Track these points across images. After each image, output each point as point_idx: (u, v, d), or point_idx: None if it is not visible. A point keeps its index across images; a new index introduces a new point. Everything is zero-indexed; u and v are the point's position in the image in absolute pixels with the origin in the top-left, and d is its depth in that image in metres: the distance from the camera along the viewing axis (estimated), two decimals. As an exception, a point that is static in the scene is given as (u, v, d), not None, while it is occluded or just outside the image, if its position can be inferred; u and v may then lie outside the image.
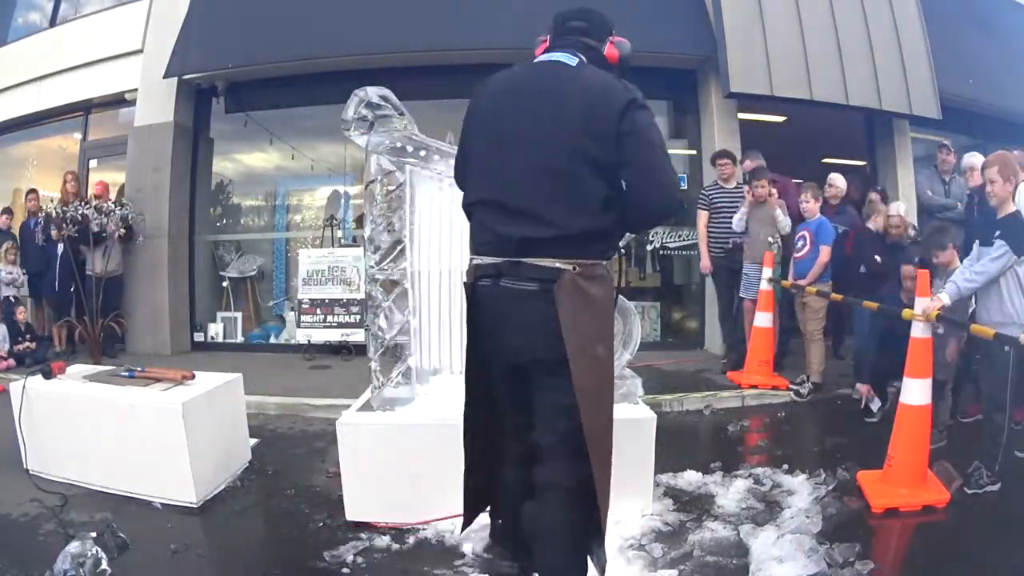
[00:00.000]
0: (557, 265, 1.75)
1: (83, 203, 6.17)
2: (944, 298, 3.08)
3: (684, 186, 6.85)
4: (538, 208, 1.75)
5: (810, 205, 4.89)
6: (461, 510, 2.19)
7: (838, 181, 5.53)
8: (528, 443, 1.91)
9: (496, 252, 1.82)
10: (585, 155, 1.74)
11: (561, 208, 1.75)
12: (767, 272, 5.11)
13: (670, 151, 6.84)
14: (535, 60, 1.95)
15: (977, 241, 3.29)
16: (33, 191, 7.19)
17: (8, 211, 6.99)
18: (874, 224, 4.70)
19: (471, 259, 1.92)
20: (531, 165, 1.77)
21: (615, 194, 1.80)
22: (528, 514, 1.92)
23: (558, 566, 1.87)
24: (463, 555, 2.49)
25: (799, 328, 5.05)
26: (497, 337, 1.88)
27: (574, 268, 1.76)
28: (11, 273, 6.55)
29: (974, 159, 4.72)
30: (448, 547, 2.56)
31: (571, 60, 1.87)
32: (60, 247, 6.36)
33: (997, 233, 3.11)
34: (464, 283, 1.95)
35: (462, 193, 2.00)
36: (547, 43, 1.98)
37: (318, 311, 6.37)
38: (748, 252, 5.23)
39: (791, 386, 4.84)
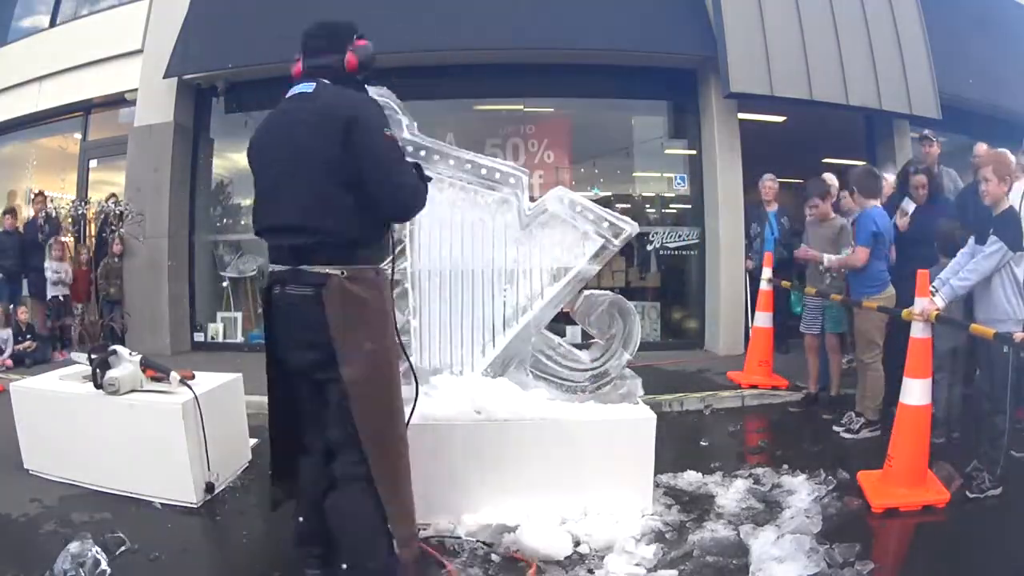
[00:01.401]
0: (327, 271, 1.96)
1: (83, 203, 6.19)
2: (939, 301, 3.07)
3: (684, 186, 6.87)
4: (305, 223, 1.98)
5: (847, 200, 4.49)
6: (459, 510, 2.29)
7: (833, 180, 5.51)
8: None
9: (281, 261, 2.06)
10: (325, 174, 1.96)
11: (319, 221, 1.97)
12: (767, 272, 5.13)
13: (670, 152, 6.88)
14: (287, 95, 2.14)
15: (973, 237, 3.28)
16: (40, 193, 7.22)
17: (12, 212, 7.00)
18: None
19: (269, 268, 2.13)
20: (292, 189, 2.00)
21: (365, 203, 2.00)
22: (330, 506, 2.04)
23: (359, 555, 2.00)
24: (463, 555, 2.49)
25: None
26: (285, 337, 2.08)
27: (342, 273, 1.96)
28: (57, 272, 6.46)
29: None
30: (448, 547, 2.56)
31: (308, 88, 2.08)
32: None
33: (991, 230, 3.10)
34: (260, 288, 2.10)
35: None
36: (300, 64, 2.16)
37: (318, 311, 6.35)
38: (809, 279, 4.60)
39: (836, 427, 4.02)
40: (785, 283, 5.13)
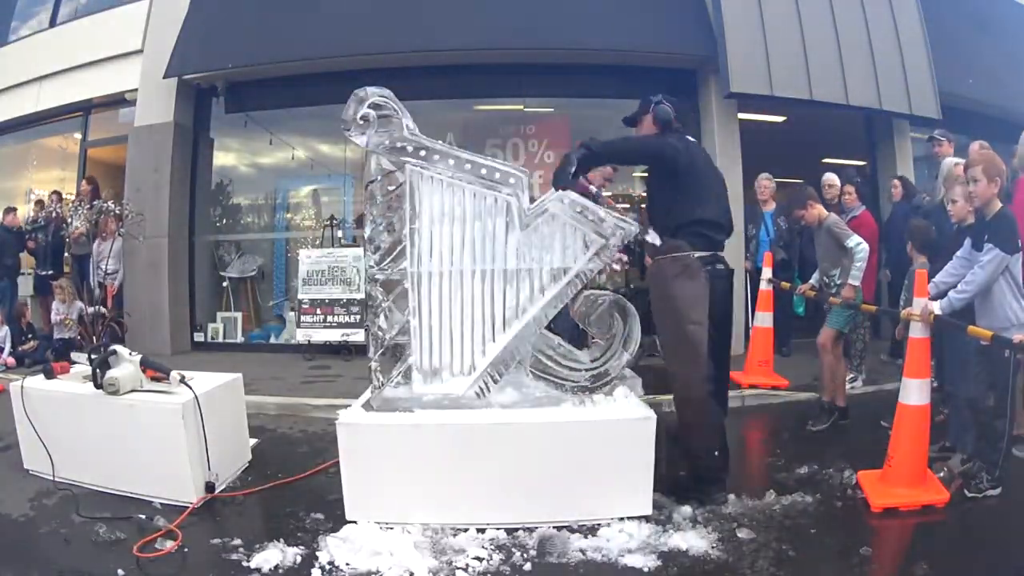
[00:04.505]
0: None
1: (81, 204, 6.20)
2: (935, 309, 3.02)
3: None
4: (730, 224, 3.18)
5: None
6: (460, 511, 2.45)
7: (835, 180, 5.53)
8: None
9: (709, 248, 3.02)
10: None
11: (731, 224, 3.20)
12: (767, 272, 5.13)
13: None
14: (690, 139, 3.21)
15: (969, 240, 3.24)
16: (56, 192, 7.24)
17: (12, 209, 7.00)
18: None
19: (692, 255, 2.92)
20: (724, 201, 3.16)
21: None
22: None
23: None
24: (463, 554, 2.49)
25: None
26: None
27: None
28: (60, 312, 6.27)
29: None
30: (448, 547, 2.56)
31: (691, 138, 3.26)
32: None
33: (986, 236, 3.02)
34: (693, 266, 2.92)
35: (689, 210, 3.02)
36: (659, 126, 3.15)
37: (318, 311, 6.37)
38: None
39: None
40: (784, 285, 5.13)
